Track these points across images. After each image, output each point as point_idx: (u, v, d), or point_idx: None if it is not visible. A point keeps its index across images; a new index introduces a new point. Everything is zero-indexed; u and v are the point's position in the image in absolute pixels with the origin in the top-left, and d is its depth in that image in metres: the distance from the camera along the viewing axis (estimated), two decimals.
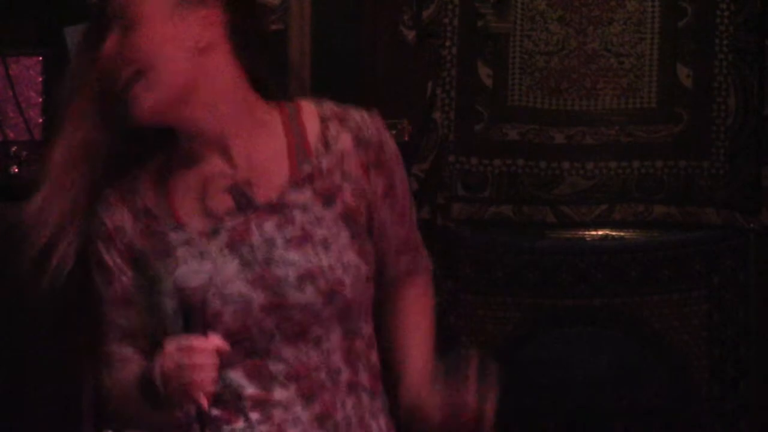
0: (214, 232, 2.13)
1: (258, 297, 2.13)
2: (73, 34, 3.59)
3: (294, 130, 2.31)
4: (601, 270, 4.09)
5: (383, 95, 3.91)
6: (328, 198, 2.25)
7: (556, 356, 4.06)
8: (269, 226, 2.16)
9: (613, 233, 4.05)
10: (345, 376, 2.21)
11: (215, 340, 2.08)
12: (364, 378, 2.23)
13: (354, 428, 2.23)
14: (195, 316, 2.07)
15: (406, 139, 3.84)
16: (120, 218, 2.21)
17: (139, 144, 2.24)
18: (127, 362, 2.25)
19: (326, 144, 2.30)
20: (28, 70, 3.53)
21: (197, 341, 2.07)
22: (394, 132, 3.62)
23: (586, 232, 4.05)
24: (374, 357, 2.32)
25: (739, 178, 4.03)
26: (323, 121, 2.33)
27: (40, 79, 3.53)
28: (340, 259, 2.22)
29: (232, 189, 2.16)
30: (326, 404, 2.18)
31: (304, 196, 2.22)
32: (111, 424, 3.28)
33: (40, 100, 3.51)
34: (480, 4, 4.00)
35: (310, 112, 2.36)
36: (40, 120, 3.49)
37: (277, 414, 2.14)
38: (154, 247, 2.15)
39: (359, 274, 2.25)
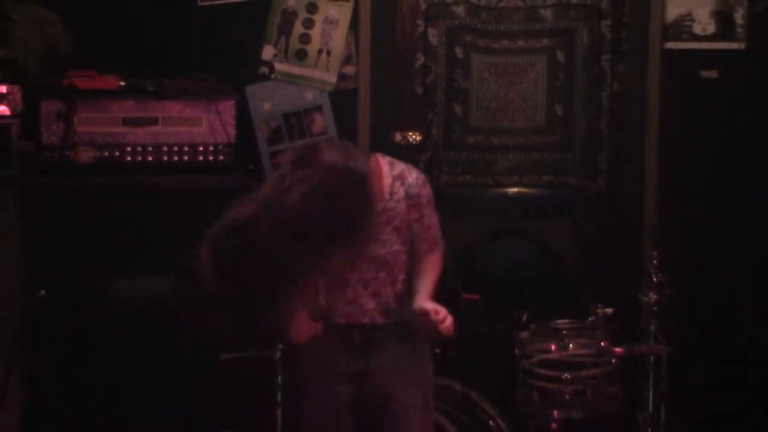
0: None
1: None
2: (250, 91, 4.81)
3: (375, 181, 3.13)
4: (518, 209, 4.99)
5: (407, 122, 4.75)
6: (388, 221, 3.40)
7: (496, 255, 4.92)
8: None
9: (523, 190, 5.00)
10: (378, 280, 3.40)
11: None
12: (389, 288, 3.48)
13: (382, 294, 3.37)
14: None
15: (419, 142, 4.42)
16: None
17: None
18: None
19: (391, 194, 3.38)
20: (228, 108, 4.41)
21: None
22: (411, 140, 4.34)
23: (509, 189, 5.00)
24: (399, 285, 3.44)
25: (587, 162, 4.94)
26: (392, 179, 3.35)
27: (233, 113, 4.43)
28: (391, 248, 3.47)
29: None
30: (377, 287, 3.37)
31: (380, 219, 3.30)
32: None
33: (233, 122, 4.41)
34: (456, 73, 4.91)
35: (385, 170, 3.28)
36: (234, 132, 4.39)
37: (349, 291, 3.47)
38: None
39: (399, 253, 3.43)
